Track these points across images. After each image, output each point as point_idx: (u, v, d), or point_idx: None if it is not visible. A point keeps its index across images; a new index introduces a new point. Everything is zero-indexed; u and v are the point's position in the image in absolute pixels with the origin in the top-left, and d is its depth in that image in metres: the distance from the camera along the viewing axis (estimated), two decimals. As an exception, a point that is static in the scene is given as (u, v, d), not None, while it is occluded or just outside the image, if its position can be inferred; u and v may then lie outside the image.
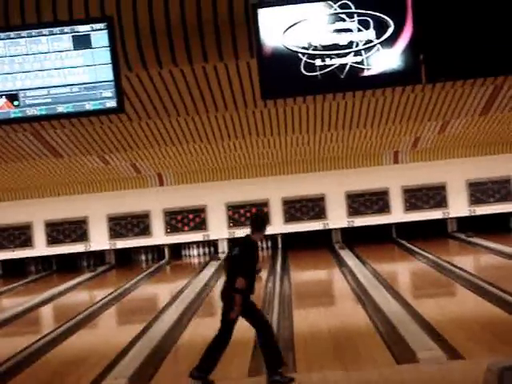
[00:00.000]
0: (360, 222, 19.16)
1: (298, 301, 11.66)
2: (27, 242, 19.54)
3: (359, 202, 19.19)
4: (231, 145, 15.17)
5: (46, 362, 8.93)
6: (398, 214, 19.12)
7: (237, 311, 6.69)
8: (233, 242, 6.87)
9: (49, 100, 6.93)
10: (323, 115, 12.88)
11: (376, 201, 19.20)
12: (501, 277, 12.00)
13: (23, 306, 13.41)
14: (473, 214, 18.97)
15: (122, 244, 19.56)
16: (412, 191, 19.10)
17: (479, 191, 18.96)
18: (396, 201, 19.12)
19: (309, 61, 6.71)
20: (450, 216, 19.19)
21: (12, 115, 6.97)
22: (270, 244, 19.89)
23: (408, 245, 17.56)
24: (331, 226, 19.33)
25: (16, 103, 6.93)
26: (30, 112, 6.95)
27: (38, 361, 8.95)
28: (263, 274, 15.09)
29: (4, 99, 6.92)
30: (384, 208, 19.14)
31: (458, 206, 19.01)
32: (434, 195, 19.07)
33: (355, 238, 18.80)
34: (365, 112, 12.93)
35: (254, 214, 6.64)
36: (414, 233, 18.70)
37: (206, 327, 10.34)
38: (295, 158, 18.22)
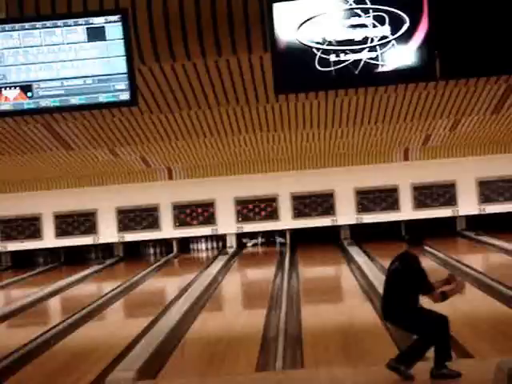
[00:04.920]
0: (369, 218, 19.11)
1: (306, 297, 11.64)
2: (36, 234, 19.58)
3: (368, 199, 19.15)
4: (241, 139, 15.16)
5: (54, 354, 8.95)
6: (407, 211, 19.07)
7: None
8: (396, 257, 6.83)
9: (62, 92, 6.92)
10: (334, 111, 12.84)
11: (385, 198, 19.16)
12: (510, 275, 11.95)
13: (31, 297, 13.44)
14: (482, 213, 18.92)
15: (130, 237, 19.58)
16: (421, 189, 19.04)
17: (489, 190, 18.90)
18: (405, 198, 19.08)
19: (323, 56, 6.68)
20: (460, 214, 19.15)
21: (25, 106, 6.96)
22: (277, 239, 19.91)
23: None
24: (340, 223, 19.30)
25: (29, 94, 6.92)
26: (44, 103, 6.94)
27: (46, 352, 8.96)
28: (271, 270, 15.11)
29: (18, 90, 6.92)
30: (393, 205, 19.09)
31: (468, 205, 18.95)
32: (444, 193, 19.01)
33: (364, 235, 18.75)
34: (376, 108, 12.88)
35: (412, 231, 7.06)
36: (423, 230, 18.57)
37: (213, 321, 10.38)
38: (305, 154, 18.18)
